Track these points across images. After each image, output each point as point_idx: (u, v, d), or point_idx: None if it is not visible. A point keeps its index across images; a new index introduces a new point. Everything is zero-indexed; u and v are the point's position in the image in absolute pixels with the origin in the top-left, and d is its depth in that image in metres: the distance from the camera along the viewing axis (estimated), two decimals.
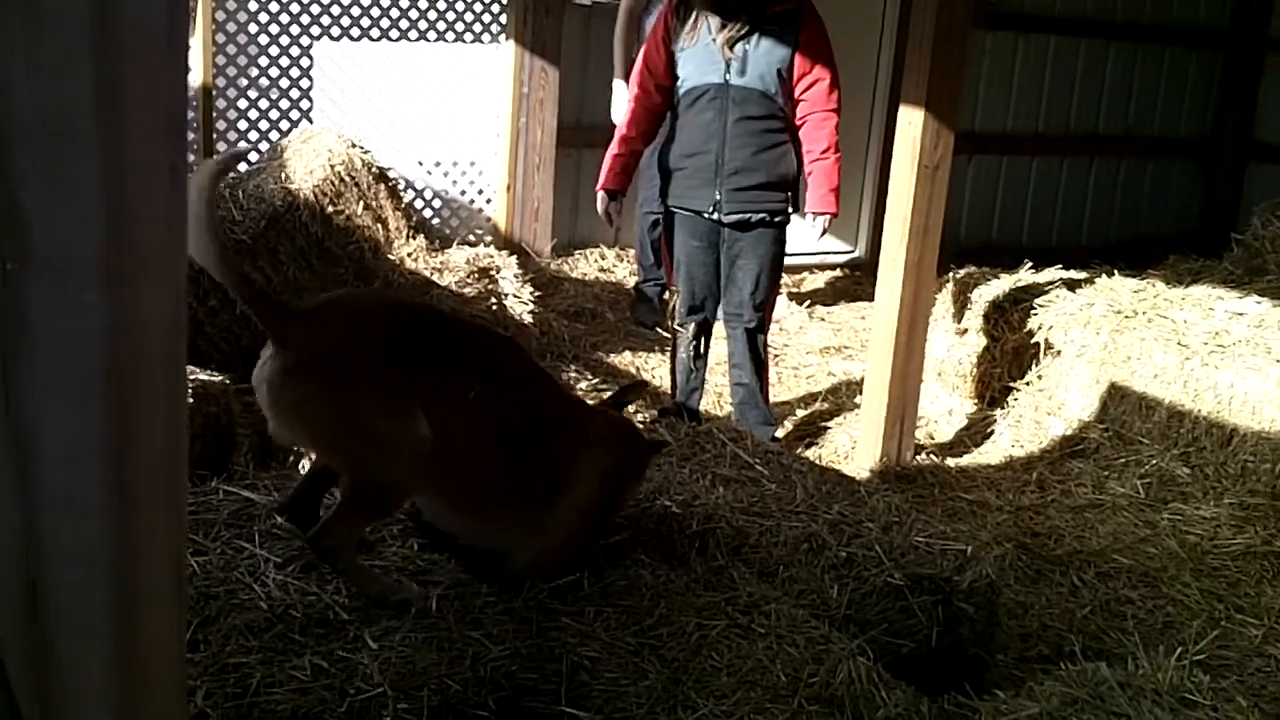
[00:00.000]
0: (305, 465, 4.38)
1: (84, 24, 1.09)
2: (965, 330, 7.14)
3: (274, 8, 7.82)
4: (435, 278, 6.71)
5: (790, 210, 5.87)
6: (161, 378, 1.23)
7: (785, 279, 9.16)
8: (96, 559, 1.21)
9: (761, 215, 5.80)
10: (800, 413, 6.85)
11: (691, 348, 6.08)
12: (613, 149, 5.96)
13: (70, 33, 1.09)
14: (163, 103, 1.18)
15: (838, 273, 10.04)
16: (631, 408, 6.54)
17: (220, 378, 5.07)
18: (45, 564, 1.19)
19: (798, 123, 5.77)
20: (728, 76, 5.68)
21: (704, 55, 5.72)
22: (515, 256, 7.42)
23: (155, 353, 1.21)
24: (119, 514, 1.21)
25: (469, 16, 8.44)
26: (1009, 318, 6.98)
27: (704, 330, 6.07)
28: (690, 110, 5.82)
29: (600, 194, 5.97)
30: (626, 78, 7.72)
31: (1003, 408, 6.82)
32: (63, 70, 1.10)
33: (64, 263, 1.12)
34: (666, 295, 6.99)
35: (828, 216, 5.81)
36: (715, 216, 5.83)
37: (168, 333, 1.22)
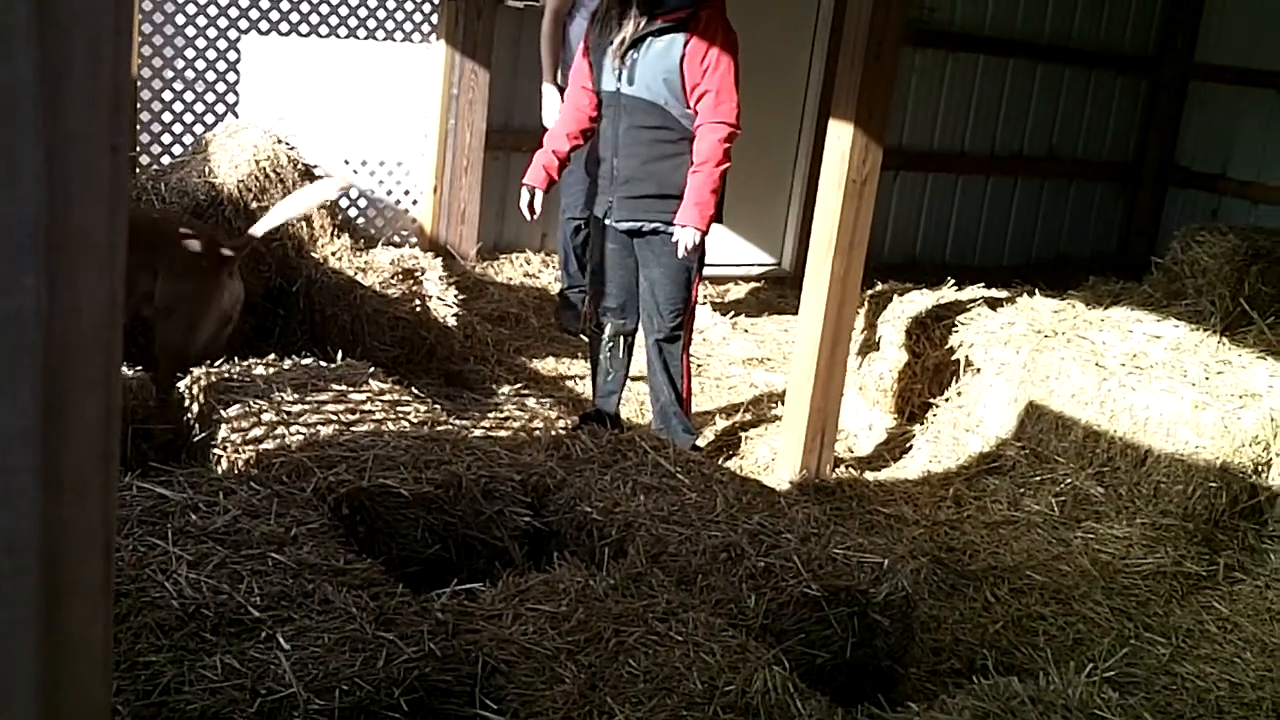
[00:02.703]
0: (224, 462, 4.33)
1: (26, 1, 1.08)
2: (886, 345, 7.18)
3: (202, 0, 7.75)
4: (359, 277, 6.67)
5: None
6: (97, 362, 1.22)
7: (709, 289, 9.20)
8: (26, 546, 1.19)
9: (654, 225, 5.71)
10: (722, 423, 6.86)
11: (608, 348, 6.06)
12: (543, 146, 5.97)
13: (11, 10, 1.07)
14: (106, 83, 1.16)
15: (761, 284, 10.07)
16: (554, 412, 6.54)
17: (133, 371, 5.01)
18: None
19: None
20: (619, 85, 5.64)
21: (607, 63, 5.69)
22: (440, 259, 7.39)
23: (92, 337, 1.19)
24: (51, 500, 1.19)
25: (400, 15, 8.40)
26: (930, 334, 7.02)
27: (622, 333, 6.05)
28: (602, 118, 5.83)
29: (523, 188, 5.95)
30: (555, 81, 7.73)
31: (922, 423, 6.87)
32: (3, 49, 1.08)
33: (2, 244, 1.11)
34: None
35: (691, 232, 5.54)
36: (609, 223, 5.84)
37: (105, 317, 1.20)
